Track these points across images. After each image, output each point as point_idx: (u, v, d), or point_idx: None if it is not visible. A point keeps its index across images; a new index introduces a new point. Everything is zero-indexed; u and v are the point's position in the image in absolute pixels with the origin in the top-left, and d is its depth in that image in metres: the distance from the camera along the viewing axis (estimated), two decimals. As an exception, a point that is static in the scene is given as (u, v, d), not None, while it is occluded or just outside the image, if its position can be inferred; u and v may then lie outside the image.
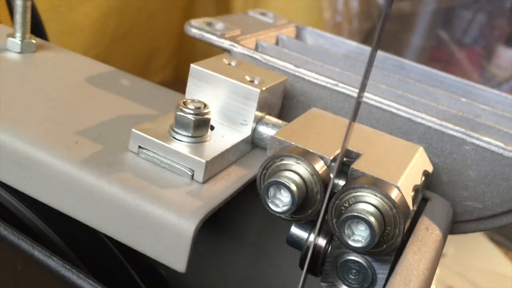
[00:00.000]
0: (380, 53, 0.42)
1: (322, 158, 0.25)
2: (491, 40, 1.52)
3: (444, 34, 1.57)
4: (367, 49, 0.42)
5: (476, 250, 1.23)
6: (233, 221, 0.37)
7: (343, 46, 0.42)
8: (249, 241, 0.36)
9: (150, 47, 1.58)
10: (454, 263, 1.14)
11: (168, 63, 1.68)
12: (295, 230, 0.27)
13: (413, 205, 0.25)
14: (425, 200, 0.29)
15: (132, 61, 1.53)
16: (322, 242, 0.26)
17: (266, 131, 0.29)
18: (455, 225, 0.31)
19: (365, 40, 1.52)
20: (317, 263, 0.26)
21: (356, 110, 0.23)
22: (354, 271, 0.26)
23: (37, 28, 0.46)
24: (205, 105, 0.26)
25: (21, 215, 0.28)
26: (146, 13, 1.50)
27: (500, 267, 1.18)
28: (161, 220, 0.23)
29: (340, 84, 0.32)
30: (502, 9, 1.50)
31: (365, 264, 0.26)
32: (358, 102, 0.23)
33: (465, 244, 1.24)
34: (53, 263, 0.21)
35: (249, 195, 0.29)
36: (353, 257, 0.26)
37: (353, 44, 0.42)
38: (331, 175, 0.24)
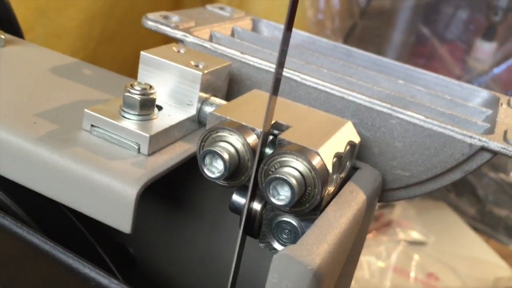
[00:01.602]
0: (330, 42, 0.45)
1: (253, 130, 0.28)
2: (469, 34, 1.55)
3: (426, 29, 1.60)
4: (317, 38, 0.45)
5: (458, 238, 1.27)
6: (192, 197, 0.40)
7: (296, 36, 0.46)
8: (207, 214, 0.39)
9: (137, 49, 1.60)
10: (435, 251, 1.17)
11: (156, 64, 1.70)
12: (235, 197, 0.30)
13: (336, 170, 0.28)
14: (355, 170, 0.32)
15: (120, 63, 1.56)
16: (257, 206, 0.29)
17: (210, 110, 0.32)
18: (388, 193, 0.34)
19: (346, 37, 1.56)
20: (254, 225, 0.29)
21: (275, 85, 0.26)
22: (287, 230, 0.29)
23: (12, 27, 0.49)
24: (150, 87, 0.30)
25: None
26: (133, 16, 1.53)
27: (482, 254, 1.21)
28: (108, 187, 0.26)
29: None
30: (479, 3, 1.54)
31: (295, 224, 0.29)
32: (277, 78, 0.26)
33: (446, 232, 1.27)
34: (7, 222, 0.24)
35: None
36: (285, 218, 0.29)
37: (305, 34, 0.45)
38: (259, 144, 0.27)
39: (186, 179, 0.39)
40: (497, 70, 1.44)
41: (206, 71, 0.31)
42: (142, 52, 0.32)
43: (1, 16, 0.49)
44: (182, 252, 0.41)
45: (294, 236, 0.29)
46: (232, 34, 0.44)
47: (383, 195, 0.34)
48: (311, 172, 0.26)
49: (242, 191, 0.30)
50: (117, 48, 1.52)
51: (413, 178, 0.33)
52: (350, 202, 0.28)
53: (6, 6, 0.50)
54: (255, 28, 0.47)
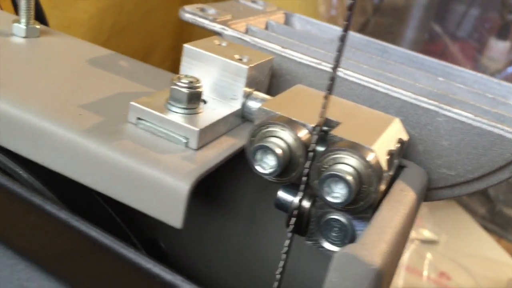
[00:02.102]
0: (364, 38, 0.44)
1: (304, 125, 0.27)
2: (483, 33, 1.54)
3: (438, 27, 1.59)
4: (352, 33, 0.44)
5: (469, 238, 1.26)
6: (227, 194, 0.39)
7: (329, 31, 0.45)
8: (242, 211, 0.39)
9: (148, 42, 1.61)
10: (447, 250, 1.16)
11: (166, 57, 1.71)
12: (282, 194, 0.30)
13: (388, 167, 0.28)
14: (402, 168, 0.32)
15: (131, 55, 1.55)
16: (306, 203, 0.29)
17: (255, 105, 0.31)
18: (432, 192, 0.34)
19: (359, 33, 1.55)
20: (302, 223, 0.29)
21: (332, 83, 0.25)
22: (336, 229, 0.28)
23: (39, 17, 0.49)
24: (197, 80, 0.29)
25: (29, 186, 0.31)
26: (144, 8, 1.52)
27: (493, 254, 1.21)
28: (160, 181, 0.25)
29: (323, 63, 0.34)
30: (494, 2, 1.52)
31: (346, 222, 0.28)
32: (333, 76, 0.25)
33: (458, 231, 1.26)
34: (63, 215, 0.23)
35: (240, 168, 0.32)
36: (335, 216, 0.28)
37: (338, 29, 0.45)
38: (312, 140, 0.27)
39: (220, 173, 0.39)
40: (511, 69, 1.43)
41: (251, 65, 0.31)
42: (185, 45, 0.31)
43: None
44: (215, 248, 0.40)
45: (344, 234, 0.28)
46: (266, 28, 0.43)
47: (427, 194, 0.34)
48: (367, 169, 0.25)
49: (288, 187, 0.30)
50: (127, 41, 1.51)
51: (459, 178, 0.32)
52: (402, 201, 0.28)
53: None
54: (287, 22, 0.46)
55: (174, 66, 1.71)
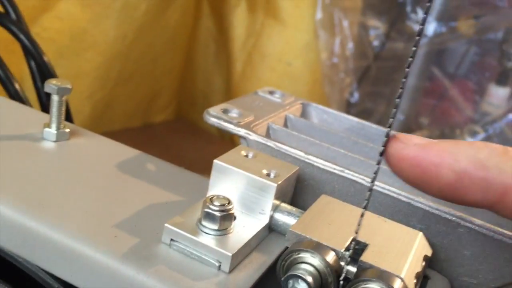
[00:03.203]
0: (379, 128, 0.45)
1: (334, 250, 0.28)
2: (482, 77, 1.57)
3: (436, 70, 1.62)
4: (367, 124, 0.45)
5: None
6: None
7: (345, 121, 0.46)
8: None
9: (153, 88, 1.63)
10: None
11: (170, 102, 1.74)
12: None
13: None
14: (425, 278, 0.33)
15: (136, 102, 1.58)
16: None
17: (282, 218, 0.33)
18: (454, 298, 0.35)
19: (361, 78, 1.58)
20: None
21: (365, 206, 0.26)
22: None
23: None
24: (229, 202, 0.30)
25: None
26: (149, 56, 1.55)
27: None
28: (195, 312, 0.26)
29: (346, 171, 0.35)
30: (491, 48, 1.56)
31: None
32: (369, 194, 0.26)
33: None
34: None
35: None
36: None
37: (355, 120, 0.46)
38: (341, 266, 0.28)
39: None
40: (512, 116, 1.45)
41: (280, 181, 0.32)
42: (215, 161, 0.32)
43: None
44: None
45: None
46: (285, 122, 0.44)
47: (449, 300, 0.34)
48: (397, 300, 0.26)
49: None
50: (134, 87, 1.54)
51: (480, 286, 0.33)
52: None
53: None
54: (304, 112, 0.48)
55: (177, 111, 1.74)
